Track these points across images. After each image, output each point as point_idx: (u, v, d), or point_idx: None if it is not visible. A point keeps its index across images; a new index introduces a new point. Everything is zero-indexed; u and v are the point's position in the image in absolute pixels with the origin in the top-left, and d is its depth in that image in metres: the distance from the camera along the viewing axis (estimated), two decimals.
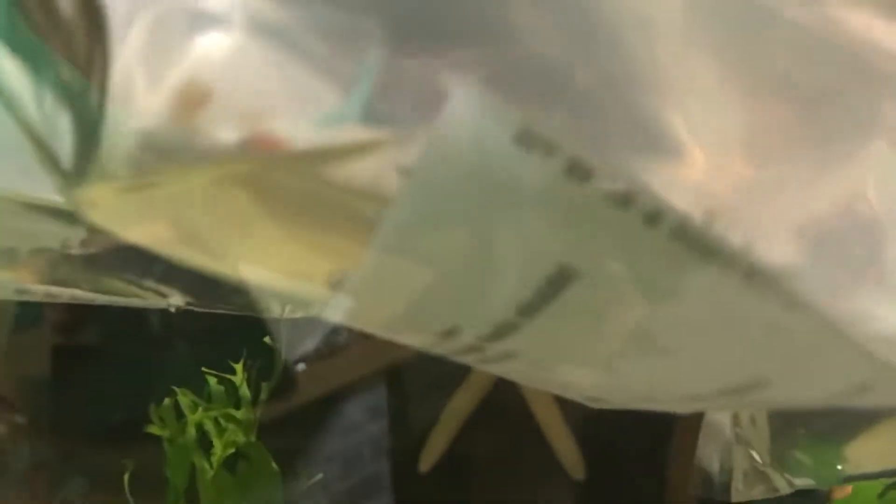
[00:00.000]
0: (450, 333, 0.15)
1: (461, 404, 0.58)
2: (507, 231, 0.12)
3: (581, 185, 0.11)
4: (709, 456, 0.28)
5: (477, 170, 0.11)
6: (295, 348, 0.53)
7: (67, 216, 0.21)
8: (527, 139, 0.11)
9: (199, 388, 0.40)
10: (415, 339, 0.16)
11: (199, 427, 0.34)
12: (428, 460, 0.58)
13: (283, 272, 0.15)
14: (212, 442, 0.34)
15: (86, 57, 0.13)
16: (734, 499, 0.28)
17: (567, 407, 0.58)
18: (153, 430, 0.34)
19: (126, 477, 0.34)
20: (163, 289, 0.24)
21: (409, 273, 0.13)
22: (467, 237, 0.12)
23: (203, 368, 0.35)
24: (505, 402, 0.59)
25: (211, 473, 0.33)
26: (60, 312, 0.57)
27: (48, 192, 0.19)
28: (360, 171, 0.13)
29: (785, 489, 0.26)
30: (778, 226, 0.11)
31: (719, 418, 0.28)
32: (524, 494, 0.60)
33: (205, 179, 0.13)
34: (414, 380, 0.61)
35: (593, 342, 0.13)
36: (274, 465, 0.32)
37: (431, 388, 0.61)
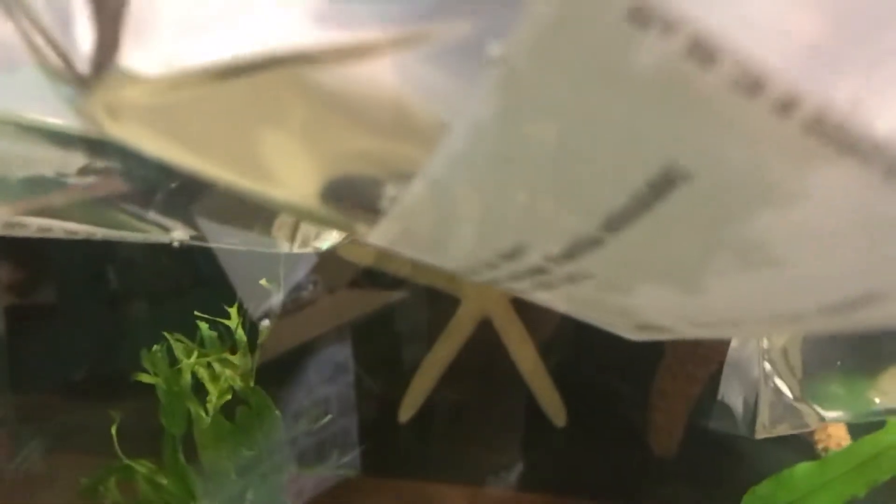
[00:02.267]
0: (513, 254, 0.14)
1: (440, 354, 0.57)
2: (606, 126, 0.10)
3: (703, 69, 0.10)
4: (733, 393, 0.27)
5: (581, 53, 0.10)
6: (259, 304, 0.51)
7: (65, 140, 0.19)
8: (643, 14, 0.09)
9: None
10: (465, 262, 0.15)
11: (192, 374, 0.32)
12: (407, 411, 0.57)
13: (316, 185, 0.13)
14: (206, 389, 0.32)
15: None
16: (758, 435, 0.27)
17: (547, 354, 0.58)
18: (144, 377, 0.32)
19: (114, 429, 0.32)
20: (166, 222, 0.22)
21: (478, 183, 0.12)
22: (557, 134, 0.11)
23: (196, 312, 0.33)
24: (485, 351, 0.59)
25: (207, 421, 0.32)
26: (15, 272, 0.54)
27: (46, 112, 0.17)
28: (414, 67, 0.11)
29: (815, 422, 0.26)
30: None
31: (746, 355, 0.27)
32: (506, 443, 0.60)
33: (244, 84, 0.12)
34: (382, 333, 0.60)
35: (689, 258, 0.12)
36: (275, 409, 0.31)
37: (402, 341, 0.60)
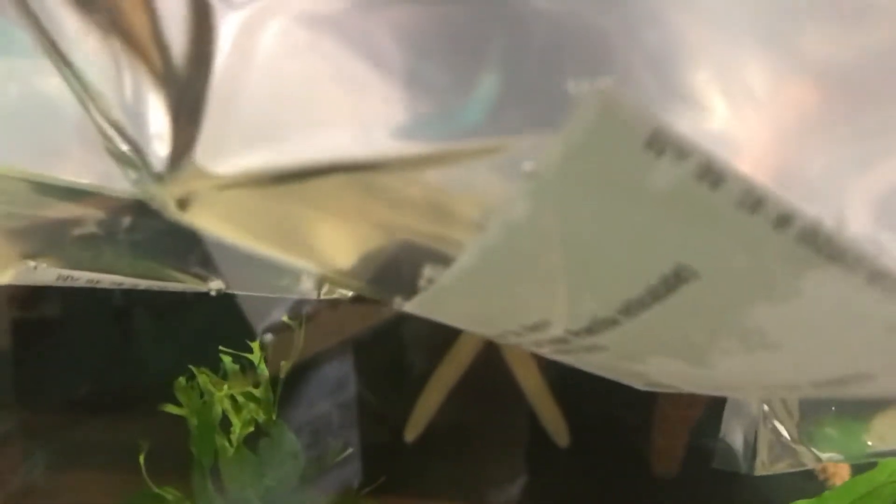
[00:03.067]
0: (537, 327, 0.15)
1: (445, 374, 0.58)
2: (626, 232, 0.12)
3: (712, 190, 0.11)
4: (733, 430, 0.29)
5: (605, 172, 0.11)
6: (262, 319, 0.53)
7: (118, 203, 0.21)
8: (659, 142, 0.11)
9: (165, 361, 0.40)
10: (492, 332, 0.16)
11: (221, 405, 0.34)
12: (413, 430, 0.58)
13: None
14: (230, 420, 0.34)
15: (191, 51, 0.13)
16: (757, 472, 0.29)
17: (551, 375, 0.59)
18: (173, 409, 0.34)
19: (142, 457, 0.34)
20: (204, 273, 0.23)
21: (507, 274, 0.13)
22: (581, 238, 0.12)
23: (220, 347, 0.34)
24: (489, 371, 0.60)
25: (231, 452, 0.33)
26: (20, 286, 0.56)
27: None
28: (472, 175, 0.13)
29: (811, 463, 0.27)
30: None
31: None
32: (509, 463, 0.61)
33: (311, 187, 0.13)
34: (383, 348, 0.61)
35: (697, 340, 0.13)
36: (296, 442, 0.32)
37: (403, 356, 0.61)
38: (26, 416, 0.42)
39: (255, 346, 0.33)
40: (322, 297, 0.25)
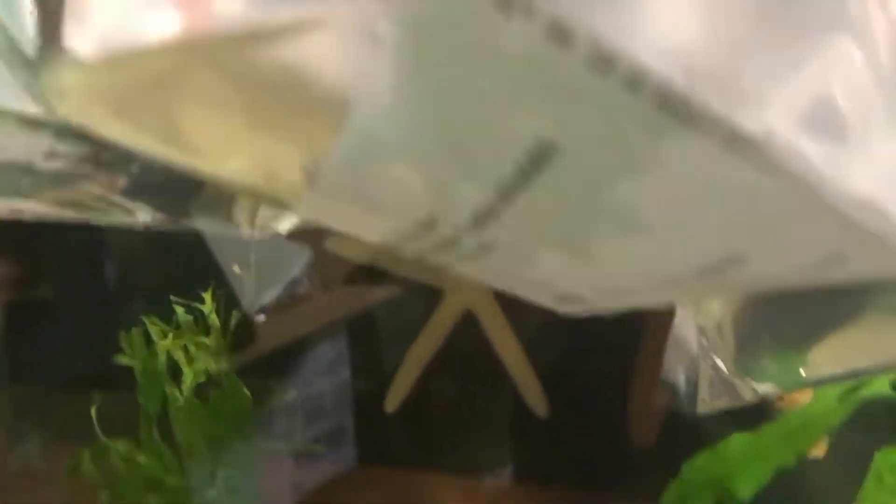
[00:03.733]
0: (428, 225, 0.15)
1: (423, 346, 0.58)
2: (484, 103, 0.12)
3: (561, 50, 0.11)
4: (675, 369, 0.29)
5: (458, 37, 0.11)
6: (255, 299, 0.53)
7: (30, 123, 0.20)
8: (508, 1, 0.11)
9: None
10: (392, 232, 0.16)
11: (169, 356, 0.34)
12: (393, 401, 0.58)
13: (256, 164, 0.15)
14: (182, 370, 0.34)
15: None
16: (700, 409, 0.29)
17: (531, 348, 0.59)
18: (123, 359, 0.34)
19: (93, 410, 0.34)
20: (130, 204, 0.23)
21: (383, 154, 0.13)
22: (443, 111, 0.12)
23: (171, 297, 0.34)
24: (468, 343, 0.60)
25: (182, 401, 0.33)
26: (14, 268, 0.56)
27: (8, 97, 0.19)
28: (320, 47, 0.12)
29: (749, 396, 0.27)
30: (754, 95, 0.11)
31: (685, 333, 0.28)
32: (490, 433, 0.61)
33: (168, 63, 0.13)
34: (377, 328, 0.61)
35: (575, 223, 0.13)
36: (246, 391, 0.32)
37: (394, 336, 0.62)
38: (20, 395, 0.42)
39: (206, 296, 0.33)
40: (256, 234, 0.25)
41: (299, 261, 0.52)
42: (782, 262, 0.12)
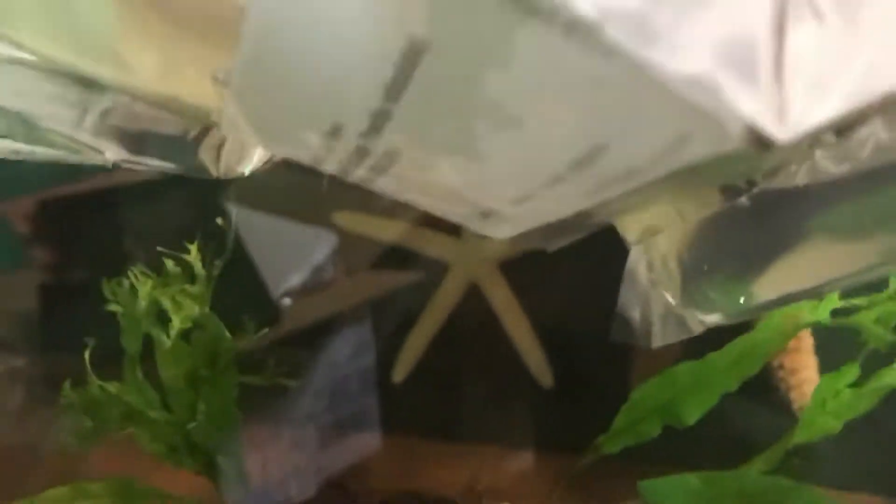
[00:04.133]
0: (335, 132, 0.16)
1: (430, 319, 0.59)
2: (355, 6, 0.13)
3: None
4: (630, 303, 0.30)
5: None
6: (281, 283, 0.54)
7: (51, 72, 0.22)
8: None
9: None
10: (307, 147, 0.17)
11: (157, 303, 0.35)
12: (401, 372, 0.60)
13: (175, 75, 0.16)
14: (170, 317, 0.36)
15: None
16: (654, 343, 0.30)
17: (535, 319, 0.60)
18: (112, 307, 0.35)
19: (87, 351, 0.35)
20: (97, 143, 0.25)
21: (279, 59, 0.14)
22: (321, 17, 0.13)
23: (158, 248, 0.36)
24: (478, 317, 0.61)
25: (168, 344, 0.35)
26: (51, 252, 0.58)
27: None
28: None
29: (697, 328, 0.28)
30: None
31: (636, 266, 0.29)
32: (496, 403, 0.63)
33: None
34: (401, 312, 0.62)
35: (456, 121, 0.14)
36: (226, 331, 0.34)
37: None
38: (55, 381, 0.43)
39: (192, 247, 0.35)
40: (222, 175, 0.26)
41: (325, 246, 0.53)
42: (640, 147, 0.13)
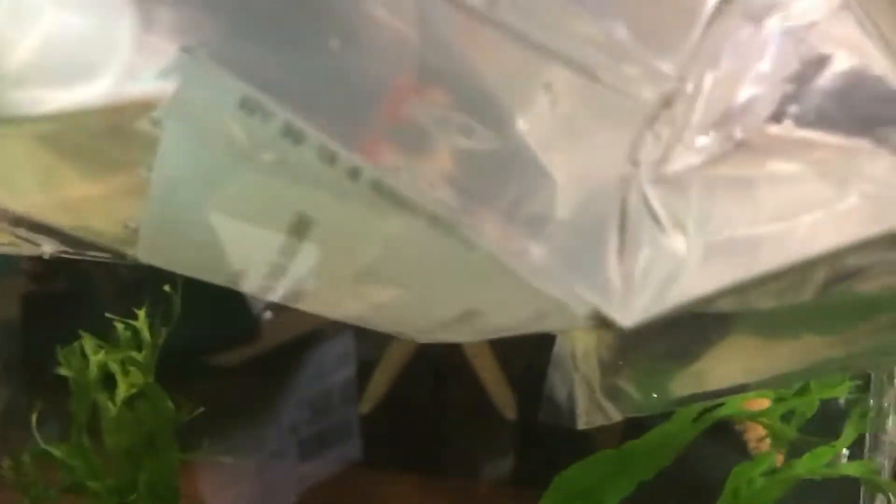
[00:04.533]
0: (241, 275, 0.17)
1: (397, 352, 0.60)
2: (250, 185, 0.14)
3: (295, 146, 0.13)
4: (557, 384, 0.30)
5: (212, 129, 0.13)
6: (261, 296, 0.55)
7: None
8: (249, 105, 0.13)
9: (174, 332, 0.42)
10: (218, 279, 0.18)
11: (106, 368, 0.36)
12: (368, 403, 0.60)
13: (93, 218, 0.17)
14: (115, 382, 0.36)
15: None
16: (579, 425, 0.30)
17: (500, 353, 0.61)
18: (62, 370, 0.36)
19: (34, 417, 0.36)
20: (34, 237, 0.25)
21: (183, 219, 0.15)
22: (218, 189, 0.14)
23: (107, 314, 0.36)
24: (441, 348, 0.62)
25: (114, 411, 0.35)
26: (35, 261, 0.58)
27: None
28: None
29: (617, 417, 0.29)
30: (438, 178, 0.13)
31: (562, 351, 0.30)
32: (460, 434, 0.63)
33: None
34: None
35: (346, 279, 0.15)
36: (170, 404, 0.35)
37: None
38: (36, 388, 0.44)
39: (140, 313, 0.35)
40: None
41: (306, 259, 0.54)
42: (508, 317, 0.15)
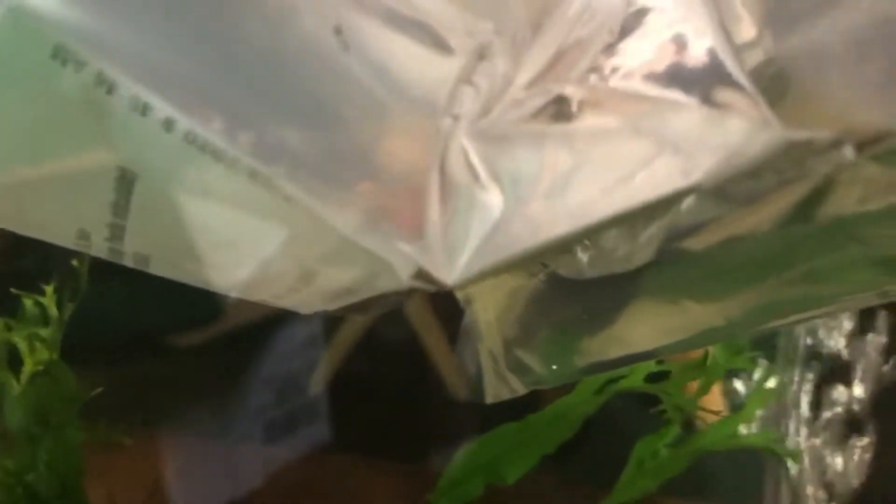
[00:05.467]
0: (84, 236, 0.17)
1: (347, 332, 0.60)
2: (61, 138, 0.14)
3: (109, 94, 0.13)
4: (467, 359, 0.30)
5: (23, 77, 0.13)
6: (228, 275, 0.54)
7: None
8: (62, 53, 0.12)
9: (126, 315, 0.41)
10: (64, 242, 0.18)
11: (10, 344, 0.35)
12: (316, 383, 0.60)
13: None
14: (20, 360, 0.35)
15: None
16: (487, 400, 0.30)
17: (452, 331, 0.61)
18: None
19: None
20: None
21: (16, 175, 0.15)
22: (31, 140, 0.14)
23: (12, 289, 0.35)
24: (394, 329, 0.62)
25: (18, 389, 0.34)
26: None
27: None
28: None
29: (521, 390, 0.29)
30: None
31: (469, 324, 0.30)
32: (411, 414, 0.63)
33: None
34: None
35: (178, 238, 0.15)
36: (74, 384, 0.34)
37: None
38: None
39: (48, 289, 0.34)
40: None
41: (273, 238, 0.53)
42: (343, 275, 0.14)
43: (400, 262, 0.12)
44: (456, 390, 0.60)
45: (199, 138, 0.13)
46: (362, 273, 0.14)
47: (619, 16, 0.12)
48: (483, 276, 0.13)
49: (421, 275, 0.13)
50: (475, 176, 0.12)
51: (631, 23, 0.12)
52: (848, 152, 0.10)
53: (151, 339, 0.53)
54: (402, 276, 0.13)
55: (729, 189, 0.12)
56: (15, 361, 0.36)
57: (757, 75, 0.12)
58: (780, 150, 0.11)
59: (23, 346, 0.35)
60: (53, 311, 0.35)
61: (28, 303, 0.36)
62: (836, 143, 0.11)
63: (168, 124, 0.13)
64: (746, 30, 0.13)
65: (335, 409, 0.62)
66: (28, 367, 0.35)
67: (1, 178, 0.15)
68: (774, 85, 0.12)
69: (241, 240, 0.14)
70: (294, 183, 0.12)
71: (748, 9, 0.13)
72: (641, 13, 0.12)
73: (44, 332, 0.35)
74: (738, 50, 0.12)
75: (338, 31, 0.12)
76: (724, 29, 0.12)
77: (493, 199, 0.12)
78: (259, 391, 0.55)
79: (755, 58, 0.13)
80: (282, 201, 0.13)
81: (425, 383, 0.62)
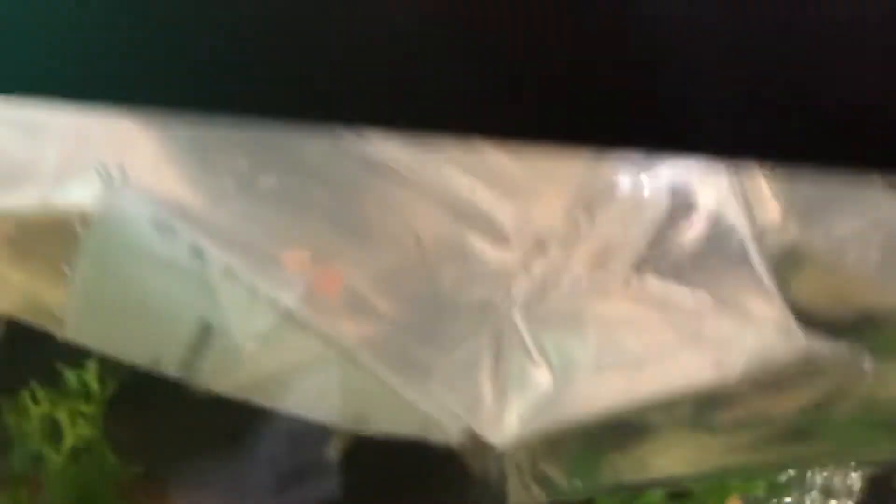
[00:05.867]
0: (156, 361, 0.18)
1: None
2: (161, 291, 0.15)
3: (198, 260, 0.14)
4: (487, 464, 0.31)
5: (130, 240, 0.15)
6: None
7: None
8: (159, 225, 0.14)
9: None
10: (142, 360, 0.19)
11: (51, 418, 0.36)
12: (333, 453, 0.61)
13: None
14: (61, 434, 0.36)
15: None
16: None
17: None
18: (10, 421, 0.36)
19: None
20: None
21: (105, 317, 0.16)
22: (133, 289, 0.15)
23: (59, 364, 0.37)
24: None
25: (60, 462, 0.35)
26: None
27: None
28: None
29: (543, 500, 0.30)
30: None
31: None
32: (424, 474, 0.63)
33: None
34: None
35: (254, 375, 0.16)
36: (115, 463, 0.35)
37: None
38: None
39: (91, 364, 0.36)
40: None
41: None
42: (395, 426, 0.15)
43: (450, 421, 0.14)
44: (473, 465, 0.61)
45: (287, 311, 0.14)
46: (414, 427, 0.15)
47: (659, 214, 0.13)
48: (530, 441, 0.14)
49: (469, 432, 0.14)
50: (527, 353, 0.14)
51: (667, 222, 0.13)
52: (867, 364, 0.12)
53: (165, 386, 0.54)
54: (453, 433, 0.14)
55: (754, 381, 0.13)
56: (55, 434, 0.37)
57: (778, 257, 0.13)
58: (802, 357, 0.12)
59: (65, 420, 0.36)
60: (95, 387, 0.36)
61: (71, 376, 0.37)
62: (856, 354, 0.12)
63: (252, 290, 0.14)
64: (772, 214, 0.14)
65: (348, 464, 0.62)
66: (68, 441, 0.36)
67: (94, 315, 0.16)
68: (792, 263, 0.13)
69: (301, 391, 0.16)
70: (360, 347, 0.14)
71: (777, 199, 0.15)
72: (682, 210, 0.13)
73: (85, 408, 0.36)
74: (764, 233, 0.14)
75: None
76: (759, 229, 0.13)
77: (542, 375, 0.13)
78: (271, 442, 0.55)
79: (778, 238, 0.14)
80: (348, 365, 0.14)
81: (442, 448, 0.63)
